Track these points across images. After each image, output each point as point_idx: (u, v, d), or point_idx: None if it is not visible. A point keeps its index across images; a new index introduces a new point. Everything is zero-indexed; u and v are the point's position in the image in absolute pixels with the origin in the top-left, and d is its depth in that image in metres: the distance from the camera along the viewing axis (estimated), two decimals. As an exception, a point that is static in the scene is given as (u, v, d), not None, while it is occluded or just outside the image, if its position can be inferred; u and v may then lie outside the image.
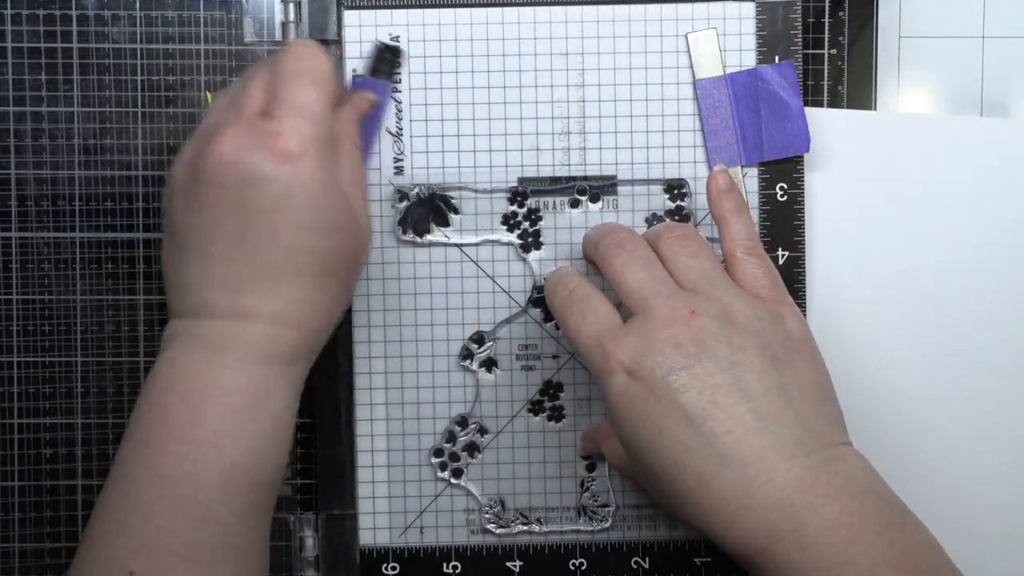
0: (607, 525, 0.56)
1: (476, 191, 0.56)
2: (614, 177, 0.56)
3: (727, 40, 0.55)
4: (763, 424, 0.44)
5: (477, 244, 0.56)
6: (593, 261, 0.52)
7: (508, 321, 0.56)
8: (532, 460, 0.56)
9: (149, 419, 0.47)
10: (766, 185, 0.56)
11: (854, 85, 0.57)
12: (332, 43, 0.55)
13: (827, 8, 0.57)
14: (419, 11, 0.55)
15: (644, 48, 0.55)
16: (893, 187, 0.56)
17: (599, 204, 0.56)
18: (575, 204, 0.56)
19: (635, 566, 0.56)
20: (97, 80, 0.56)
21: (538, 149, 0.56)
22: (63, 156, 0.56)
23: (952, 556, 0.45)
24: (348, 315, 0.55)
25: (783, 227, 0.56)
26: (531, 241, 0.56)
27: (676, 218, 0.56)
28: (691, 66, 0.55)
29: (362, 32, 0.55)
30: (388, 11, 0.55)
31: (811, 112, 0.55)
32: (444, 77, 0.55)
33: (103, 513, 0.46)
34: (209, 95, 0.56)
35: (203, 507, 0.45)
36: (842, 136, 0.56)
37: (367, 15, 0.55)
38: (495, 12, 0.55)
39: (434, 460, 0.56)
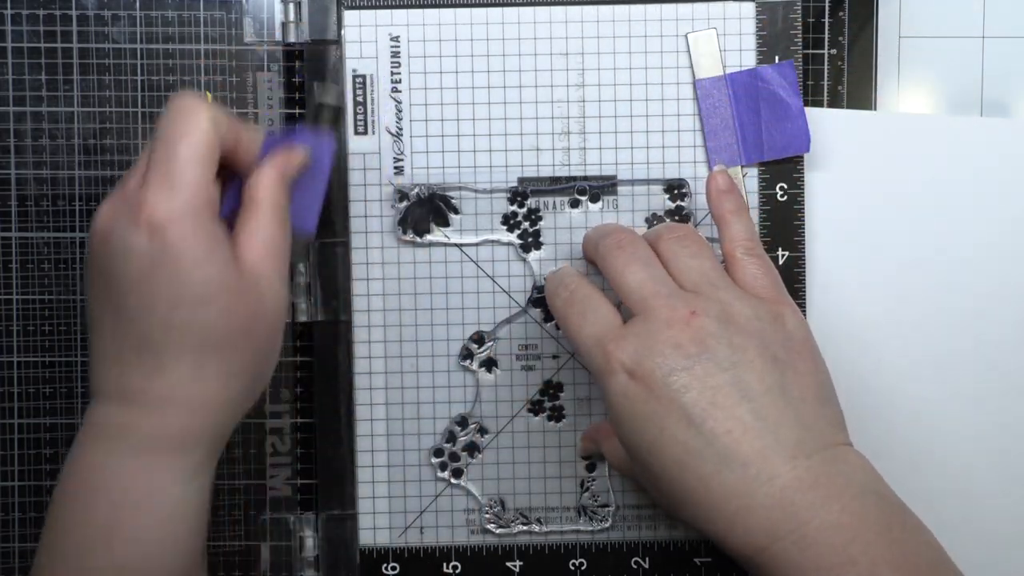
0: (607, 525, 0.56)
1: (476, 191, 0.56)
2: (614, 177, 0.56)
3: (727, 40, 0.55)
4: (763, 424, 0.44)
5: (477, 244, 0.56)
6: (593, 261, 0.52)
7: (508, 321, 0.56)
8: (532, 460, 0.56)
9: (52, 511, 0.46)
10: (766, 185, 0.56)
11: (854, 85, 0.57)
12: (332, 43, 0.55)
13: (827, 8, 0.57)
14: (419, 11, 0.55)
15: (644, 48, 0.55)
16: (893, 187, 0.56)
17: (599, 204, 0.56)
18: (575, 204, 0.56)
19: (635, 566, 0.56)
20: (97, 80, 0.56)
21: (538, 149, 0.56)
22: (63, 156, 0.56)
23: (952, 556, 0.45)
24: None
25: (783, 227, 0.56)
26: (531, 241, 0.56)
27: (676, 218, 0.56)
28: (691, 66, 0.55)
29: (362, 32, 0.55)
30: (388, 11, 0.55)
31: (811, 112, 0.55)
32: (444, 77, 0.55)
33: None
34: (209, 95, 0.56)
35: None
36: (842, 136, 0.56)
37: (367, 15, 0.55)
38: (495, 12, 0.55)
39: (434, 460, 0.56)
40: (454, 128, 0.56)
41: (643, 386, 0.45)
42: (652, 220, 0.56)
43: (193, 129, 0.44)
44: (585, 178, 0.56)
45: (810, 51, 0.56)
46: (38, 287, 0.56)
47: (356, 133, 0.55)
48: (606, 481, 0.56)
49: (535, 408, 0.56)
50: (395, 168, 0.56)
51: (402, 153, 0.56)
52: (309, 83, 0.55)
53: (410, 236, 0.56)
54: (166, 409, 0.45)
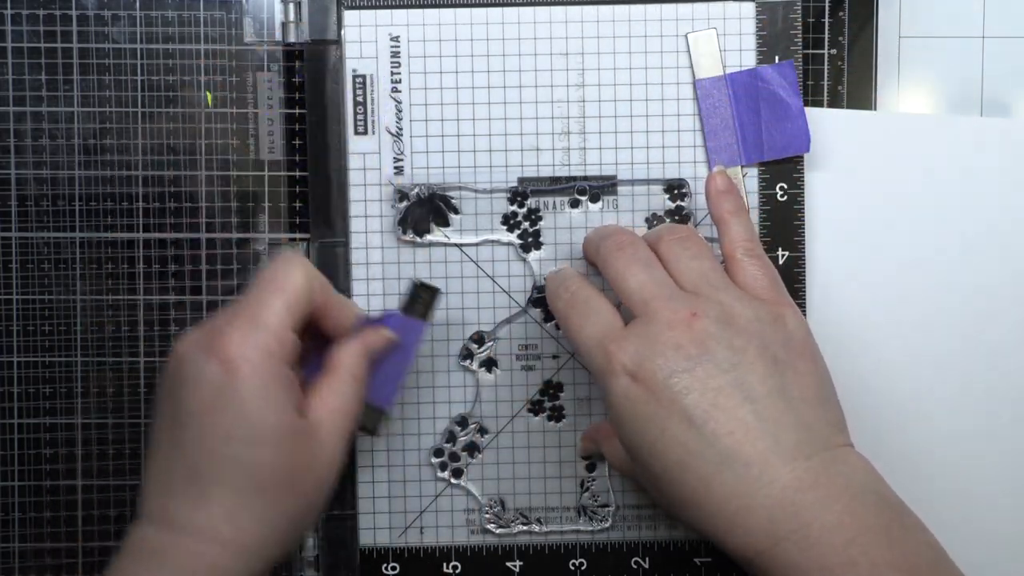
0: (607, 525, 0.56)
1: (476, 191, 0.56)
2: (614, 177, 0.56)
3: (727, 40, 0.55)
4: (764, 426, 0.44)
5: (477, 244, 0.56)
6: (594, 263, 0.52)
7: (508, 321, 0.56)
8: (532, 460, 0.56)
9: None
10: (766, 185, 0.56)
11: (854, 85, 0.57)
12: (332, 43, 0.55)
13: (827, 8, 0.57)
14: (419, 11, 0.55)
15: (644, 48, 0.55)
16: (893, 187, 0.56)
17: (599, 204, 0.56)
18: (575, 204, 0.56)
19: (635, 566, 0.56)
20: (97, 80, 0.56)
21: (538, 149, 0.56)
22: (63, 156, 0.56)
23: (953, 557, 0.45)
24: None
25: (783, 227, 0.56)
26: (531, 241, 0.56)
27: (676, 218, 0.56)
28: (691, 66, 0.55)
29: (362, 32, 0.55)
30: (388, 11, 0.55)
31: (811, 112, 0.55)
32: (444, 77, 0.55)
33: None
34: (209, 95, 0.56)
35: None
36: (842, 136, 0.56)
37: (367, 15, 0.55)
38: (495, 12, 0.55)
39: (434, 460, 0.56)
40: (454, 128, 0.56)
41: (644, 388, 0.45)
42: (652, 220, 0.56)
43: (287, 281, 0.47)
44: (585, 178, 0.56)
45: (810, 51, 0.56)
46: (38, 287, 0.56)
47: (356, 133, 0.55)
48: (606, 481, 0.56)
49: (535, 408, 0.56)
50: (395, 168, 0.56)
51: (402, 153, 0.56)
52: (311, 84, 0.55)
53: (410, 236, 0.56)
54: (202, 542, 0.45)
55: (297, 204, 0.56)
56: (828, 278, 0.56)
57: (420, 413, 0.56)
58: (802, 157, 0.55)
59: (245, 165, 0.56)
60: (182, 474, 0.45)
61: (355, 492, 0.56)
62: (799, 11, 0.55)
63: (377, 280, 0.56)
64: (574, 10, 0.55)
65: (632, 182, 0.56)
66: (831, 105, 0.57)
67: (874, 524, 0.43)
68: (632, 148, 0.56)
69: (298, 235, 0.56)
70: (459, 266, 0.56)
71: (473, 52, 0.55)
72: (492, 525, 0.56)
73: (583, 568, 0.56)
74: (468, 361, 0.56)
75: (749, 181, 0.55)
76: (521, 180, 0.56)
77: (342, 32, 0.55)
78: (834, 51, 0.57)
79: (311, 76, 0.55)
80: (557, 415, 0.56)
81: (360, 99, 0.55)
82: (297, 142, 0.56)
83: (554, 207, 0.56)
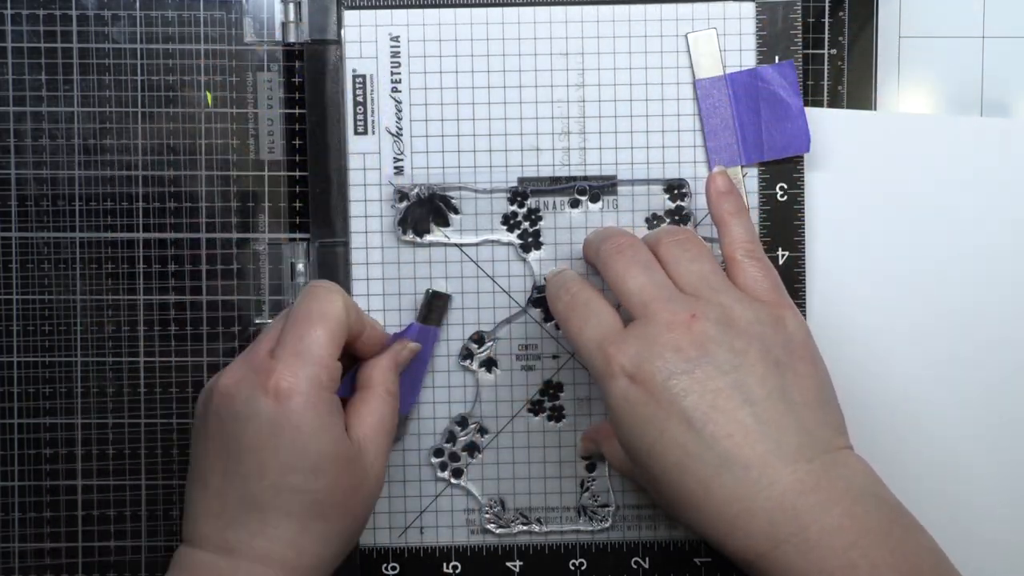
0: (607, 525, 0.56)
1: (476, 191, 0.56)
2: (614, 177, 0.56)
3: (727, 40, 0.55)
4: (764, 428, 0.44)
5: (477, 244, 0.56)
6: (593, 264, 0.52)
7: (508, 321, 0.56)
8: (532, 460, 0.56)
9: None
10: (766, 185, 0.55)
11: (854, 85, 0.57)
12: (332, 43, 0.55)
13: (827, 8, 0.57)
14: (419, 11, 0.55)
15: (644, 48, 0.55)
16: (893, 187, 0.56)
17: (599, 204, 0.56)
18: (575, 204, 0.56)
19: (635, 566, 0.56)
20: (97, 80, 0.56)
21: (538, 149, 0.56)
22: (63, 156, 0.56)
23: (953, 559, 0.45)
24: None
25: (783, 227, 0.56)
26: (531, 241, 0.56)
27: (676, 218, 0.56)
28: (691, 66, 0.55)
29: (362, 32, 0.55)
30: (388, 11, 0.55)
31: (811, 112, 0.55)
32: (444, 77, 0.55)
33: None
34: (209, 95, 0.56)
35: None
36: (842, 136, 0.56)
37: (367, 15, 0.55)
38: (495, 12, 0.55)
39: (434, 460, 0.56)
40: (454, 128, 0.56)
41: (643, 389, 0.45)
42: (652, 220, 0.56)
43: (328, 311, 0.49)
44: (585, 178, 0.56)
45: (810, 51, 0.56)
46: (38, 287, 0.56)
47: (356, 133, 0.55)
48: (606, 481, 0.56)
49: (535, 408, 0.56)
50: (395, 168, 0.56)
51: (402, 153, 0.56)
52: (311, 84, 0.55)
53: (410, 236, 0.56)
54: (265, 565, 0.46)
55: (297, 204, 0.56)
56: (828, 278, 0.56)
57: (420, 413, 0.56)
58: (802, 157, 0.55)
59: (245, 165, 0.56)
60: (240, 504, 0.47)
61: (355, 492, 0.56)
62: (799, 11, 0.55)
63: (377, 280, 0.56)
64: (574, 10, 0.55)
65: (632, 182, 0.56)
66: (831, 105, 0.57)
67: (874, 527, 0.43)
68: (632, 148, 0.56)
69: (298, 235, 0.56)
70: (459, 266, 0.56)
71: (473, 52, 0.55)
72: (492, 525, 0.56)
73: (583, 568, 0.56)
74: (468, 361, 0.56)
75: (749, 181, 0.55)
76: (521, 180, 0.56)
77: (342, 32, 0.55)
78: (834, 51, 0.57)
79: (311, 76, 0.55)
80: (557, 415, 0.56)
81: (360, 99, 0.55)
82: (297, 142, 0.56)
83: (554, 207, 0.56)
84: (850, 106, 0.57)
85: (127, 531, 0.57)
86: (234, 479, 0.47)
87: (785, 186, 0.55)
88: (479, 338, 0.56)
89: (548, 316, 0.56)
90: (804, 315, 0.54)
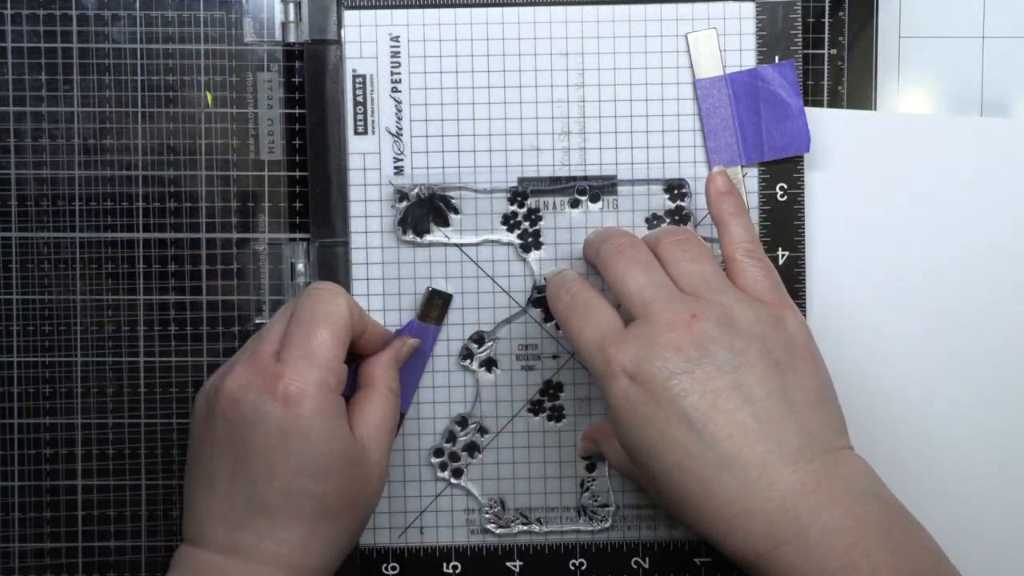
0: (607, 525, 0.56)
1: (476, 191, 0.56)
2: (614, 177, 0.56)
3: (727, 40, 0.55)
4: (765, 429, 0.44)
5: (477, 244, 0.56)
6: (594, 265, 0.52)
7: (508, 321, 0.56)
8: (532, 460, 0.56)
9: None
10: (766, 185, 0.55)
11: (854, 85, 0.57)
12: (332, 43, 0.55)
13: (827, 8, 0.57)
14: (419, 11, 0.55)
15: (644, 48, 0.55)
16: (893, 187, 0.56)
17: (599, 204, 0.56)
18: (575, 204, 0.56)
19: (635, 566, 0.56)
20: (97, 80, 0.56)
21: (538, 149, 0.56)
22: (63, 156, 0.56)
23: (953, 559, 0.45)
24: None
25: (783, 227, 0.56)
26: (531, 241, 0.56)
27: (676, 218, 0.56)
28: (691, 66, 0.55)
29: (362, 32, 0.55)
30: (388, 11, 0.55)
31: (811, 112, 0.55)
32: (444, 77, 0.55)
33: None
34: (209, 95, 0.56)
35: None
36: (842, 136, 0.56)
37: (367, 15, 0.55)
38: (495, 12, 0.55)
39: (434, 460, 0.56)
40: (454, 128, 0.56)
41: (644, 389, 0.45)
42: (652, 220, 0.56)
43: (333, 315, 0.49)
44: (585, 178, 0.56)
45: (810, 51, 0.56)
46: (38, 287, 0.56)
47: (356, 133, 0.55)
48: (606, 481, 0.56)
49: (535, 408, 0.56)
50: (395, 168, 0.56)
51: (402, 153, 0.56)
52: (311, 84, 0.55)
53: (410, 236, 0.56)
54: (272, 566, 0.47)
55: (297, 204, 0.56)
56: (828, 278, 0.56)
57: (420, 413, 0.56)
58: (802, 157, 0.55)
59: (245, 165, 0.56)
60: (247, 507, 0.47)
61: (355, 492, 0.56)
62: (799, 11, 0.55)
63: (377, 280, 0.56)
64: (574, 10, 0.55)
65: (632, 182, 0.56)
66: (831, 105, 0.57)
67: (875, 528, 0.43)
68: (632, 148, 0.56)
69: (298, 235, 0.56)
70: (459, 266, 0.56)
71: (473, 52, 0.55)
72: (492, 525, 0.56)
73: (583, 568, 0.56)
74: (468, 361, 0.56)
75: (749, 181, 0.55)
76: (521, 180, 0.56)
77: (342, 32, 0.55)
78: (834, 51, 0.57)
79: (311, 76, 0.55)
80: (557, 415, 0.56)
81: (360, 99, 0.55)
82: (297, 142, 0.56)
83: (554, 207, 0.56)
84: (850, 106, 0.57)
85: (127, 531, 0.57)
86: (241, 482, 0.47)
87: (785, 186, 0.55)
88: (479, 338, 0.56)
89: (548, 316, 0.56)
90: (804, 315, 0.54)
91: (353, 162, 0.55)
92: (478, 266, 0.56)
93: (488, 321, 0.56)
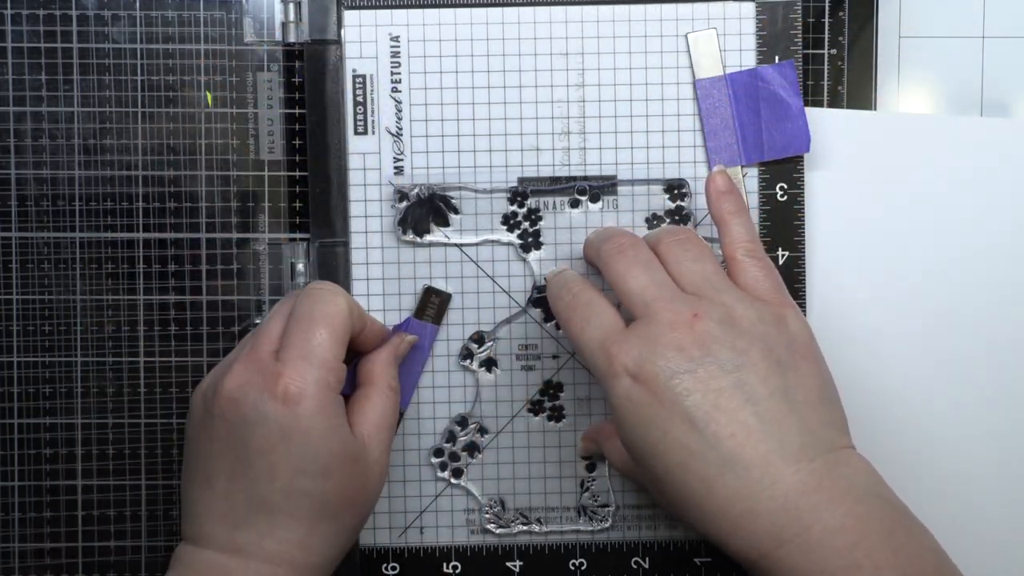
0: (607, 525, 0.56)
1: (476, 191, 0.56)
2: (614, 177, 0.56)
3: (727, 40, 0.55)
4: (767, 428, 0.44)
5: (477, 244, 0.56)
6: (594, 265, 0.52)
7: (508, 321, 0.56)
8: (532, 460, 0.56)
9: None
10: (766, 185, 0.56)
11: (854, 85, 0.57)
12: (332, 43, 0.55)
13: (827, 8, 0.57)
14: (419, 11, 0.55)
15: (644, 48, 0.55)
16: (893, 187, 0.56)
17: (599, 204, 0.56)
18: (575, 204, 0.56)
19: (635, 566, 0.56)
20: (97, 80, 0.56)
21: (538, 149, 0.56)
22: (63, 156, 0.56)
23: (954, 559, 0.45)
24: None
25: (783, 227, 0.56)
26: (531, 241, 0.56)
27: (676, 218, 0.56)
28: (691, 66, 0.55)
29: (362, 32, 0.55)
30: (388, 11, 0.55)
31: (811, 112, 0.55)
32: (444, 77, 0.55)
33: None
34: (209, 95, 0.56)
35: None
36: (842, 136, 0.56)
37: (367, 15, 0.55)
38: (495, 12, 0.55)
39: (434, 460, 0.56)
40: (454, 128, 0.56)
41: (646, 389, 0.45)
42: (652, 220, 0.56)
43: (333, 314, 0.49)
44: (585, 178, 0.56)
45: (810, 51, 0.56)
46: (38, 287, 0.56)
47: (356, 133, 0.55)
48: (606, 481, 0.56)
49: (535, 408, 0.56)
50: (395, 168, 0.56)
51: (402, 153, 0.56)
52: (311, 84, 0.55)
53: (410, 236, 0.56)
54: (274, 565, 0.47)
55: (297, 204, 0.56)
56: (828, 278, 0.56)
57: (420, 413, 0.56)
58: (802, 157, 0.55)
59: (245, 165, 0.56)
60: (248, 506, 0.47)
61: (355, 492, 0.56)
62: (799, 11, 0.55)
63: (377, 280, 0.56)
64: (574, 10, 0.55)
65: (632, 182, 0.56)
66: (831, 105, 0.57)
67: (877, 527, 0.43)
68: (632, 148, 0.56)
69: (298, 235, 0.56)
70: (459, 266, 0.56)
71: (473, 52, 0.55)
72: (492, 525, 0.56)
73: (583, 568, 0.56)
74: (468, 361, 0.56)
75: (749, 181, 0.56)
76: (521, 180, 0.56)
77: (342, 32, 0.55)
78: (834, 51, 0.57)
79: (311, 76, 0.55)
80: (557, 415, 0.56)
81: (360, 99, 0.55)
82: (297, 142, 0.56)
83: (554, 207, 0.56)
84: (850, 106, 0.57)
85: (127, 531, 0.57)
86: (241, 482, 0.47)
87: (785, 186, 0.56)
88: (479, 338, 0.56)
89: (548, 316, 0.56)
90: (804, 314, 0.54)
91: (353, 162, 0.55)
92: (478, 266, 0.56)
93: (488, 321, 0.56)
